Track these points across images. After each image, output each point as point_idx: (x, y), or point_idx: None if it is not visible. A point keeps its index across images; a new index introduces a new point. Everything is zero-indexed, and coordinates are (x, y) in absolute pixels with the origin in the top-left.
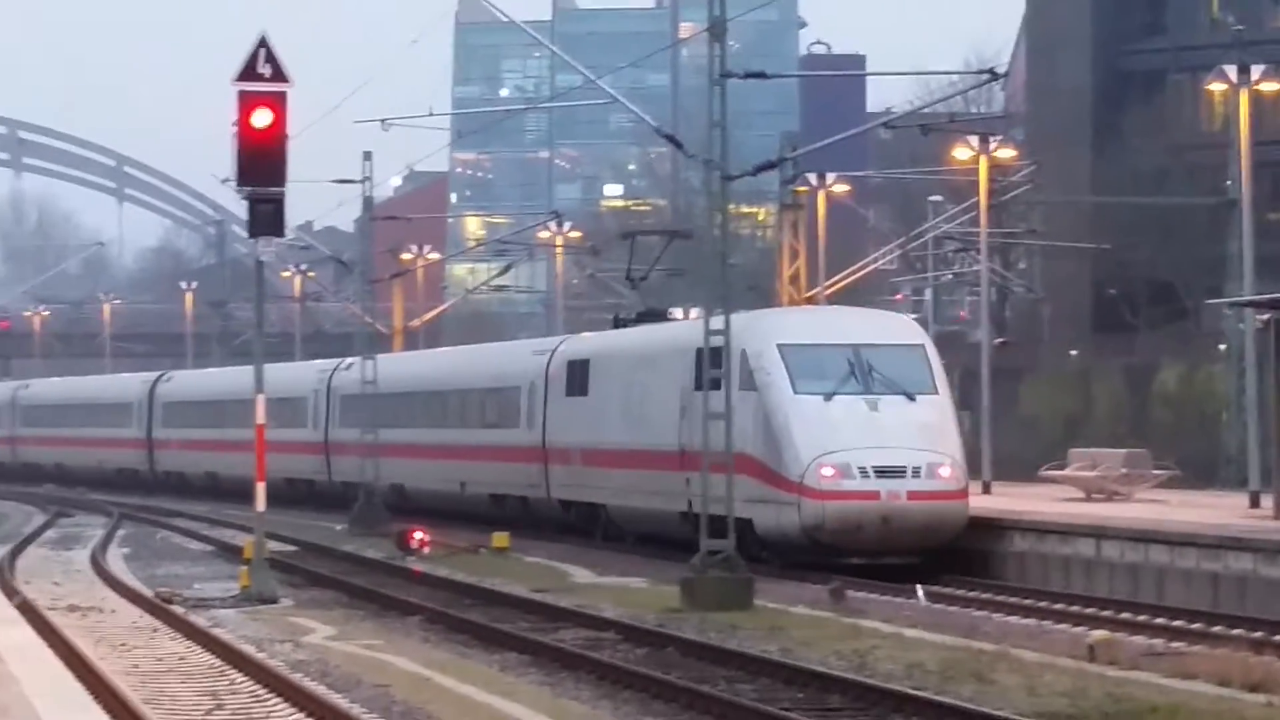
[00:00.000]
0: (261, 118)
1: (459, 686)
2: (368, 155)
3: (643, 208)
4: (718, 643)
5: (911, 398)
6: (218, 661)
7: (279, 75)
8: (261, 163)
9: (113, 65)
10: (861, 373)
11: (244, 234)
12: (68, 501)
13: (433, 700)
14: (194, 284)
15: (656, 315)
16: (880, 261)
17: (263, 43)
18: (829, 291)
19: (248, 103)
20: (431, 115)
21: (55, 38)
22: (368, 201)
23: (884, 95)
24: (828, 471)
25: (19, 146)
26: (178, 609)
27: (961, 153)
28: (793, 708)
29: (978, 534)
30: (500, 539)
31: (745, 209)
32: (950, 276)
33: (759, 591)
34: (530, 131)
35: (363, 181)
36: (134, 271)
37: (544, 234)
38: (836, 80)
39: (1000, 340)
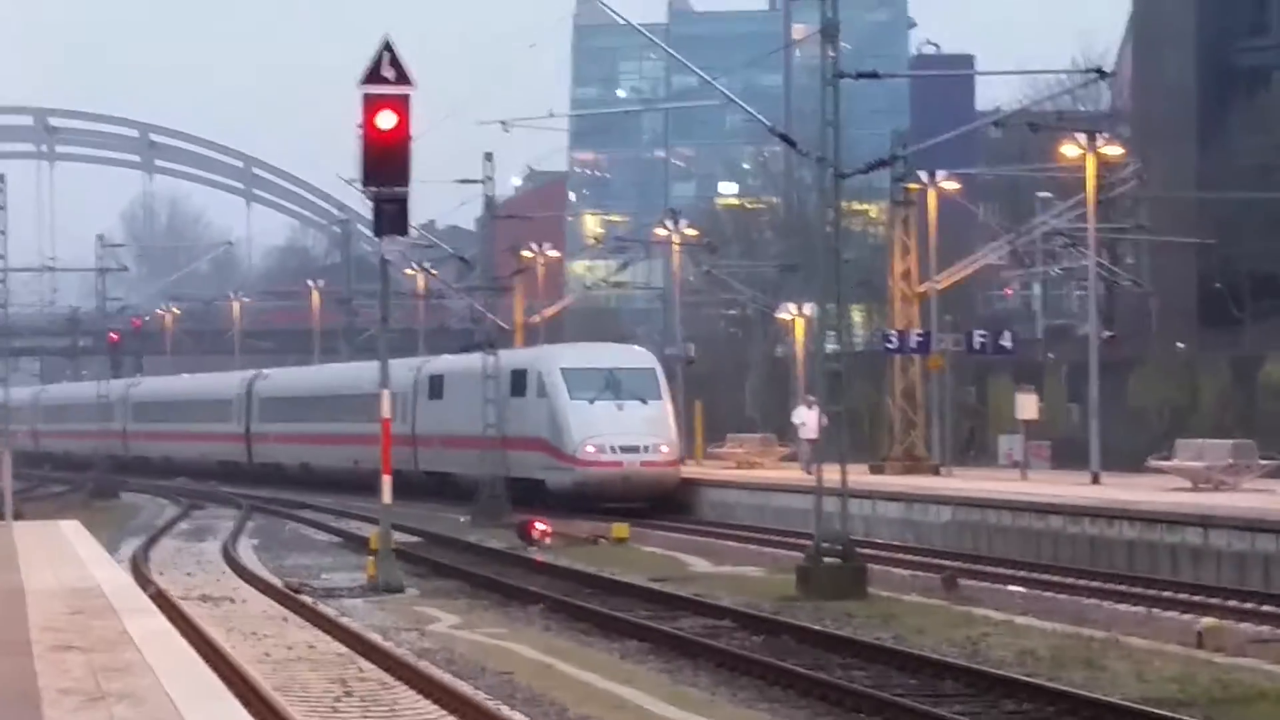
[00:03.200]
0: (386, 119)
1: (580, 673)
2: (489, 156)
3: (757, 206)
4: (832, 630)
5: (644, 402)
6: (346, 649)
7: (403, 78)
8: (386, 163)
9: (241, 69)
10: (613, 386)
11: (369, 233)
12: (199, 494)
13: (555, 687)
14: (320, 282)
15: (489, 345)
16: (989, 257)
17: (387, 46)
18: (940, 286)
19: (372, 105)
20: (551, 116)
21: (185, 43)
22: (489, 201)
23: (993, 94)
24: (590, 449)
25: (150, 149)
26: (306, 599)
27: (1069, 150)
28: (906, 694)
29: (1077, 521)
30: (620, 530)
31: (857, 206)
32: (1058, 271)
33: (873, 580)
34: (647, 131)
35: (484, 181)
36: (261, 270)
37: (661, 231)
38: (946, 79)
39: (1108, 334)
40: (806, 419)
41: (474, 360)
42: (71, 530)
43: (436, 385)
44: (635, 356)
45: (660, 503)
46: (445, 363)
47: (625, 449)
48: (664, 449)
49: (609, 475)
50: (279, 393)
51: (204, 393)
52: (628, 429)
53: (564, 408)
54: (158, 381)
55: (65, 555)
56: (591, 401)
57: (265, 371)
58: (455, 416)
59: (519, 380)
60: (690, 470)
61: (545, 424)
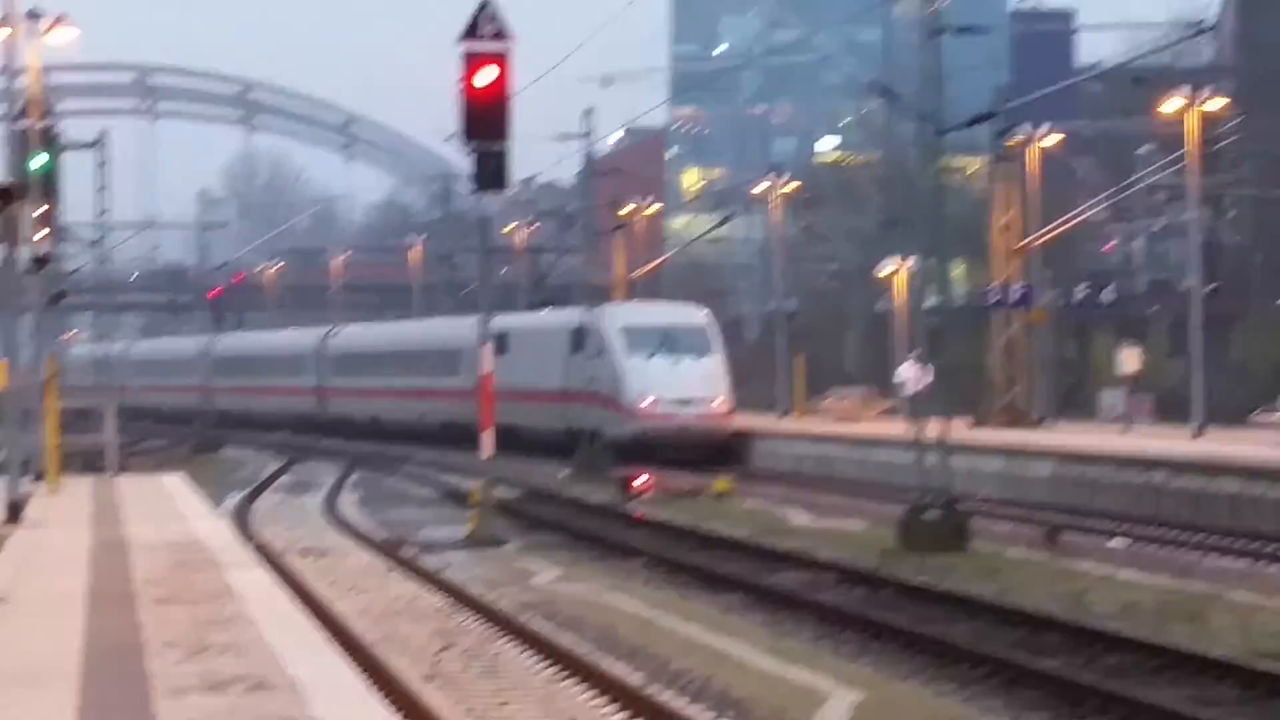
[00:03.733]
0: (485, 76)
1: (681, 627)
2: (589, 111)
3: (857, 161)
4: (934, 584)
5: (699, 357)
6: (447, 603)
7: (502, 34)
8: (485, 119)
9: (341, 25)
10: (669, 342)
11: (469, 189)
12: (301, 448)
13: (656, 640)
14: (420, 237)
15: (549, 304)
16: (1090, 212)
17: (485, 3)
18: (1041, 241)
19: (472, 61)
20: (651, 72)
21: (284, 1)
22: (588, 156)
23: (1093, 48)
24: (647, 403)
25: (250, 106)
26: (408, 552)
27: (1171, 104)
28: (1007, 648)
29: (1180, 475)
30: (721, 484)
31: (958, 161)
32: (1160, 226)
33: (974, 534)
34: (746, 87)
35: (584, 137)
36: (361, 226)
37: (760, 187)
38: (1047, 34)
39: (1211, 288)
40: (910, 375)
41: (536, 318)
42: (175, 484)
43: (501, 342)
44: (690, 314)
45: (714, 454)
46: (510, 319)
47: (680, 402)
48: (717, 402)
49: (665, 427)
50: (350, 349)
51: (280, 349)
52: (683, 384)
53: (622, 363)
54: (238, 338)
55: (168, 509)
56: (649, 357)
57: (337, 328)
58: (519, 372)
59: (579, 337)
60: (787, 425)
61: (605, 379)
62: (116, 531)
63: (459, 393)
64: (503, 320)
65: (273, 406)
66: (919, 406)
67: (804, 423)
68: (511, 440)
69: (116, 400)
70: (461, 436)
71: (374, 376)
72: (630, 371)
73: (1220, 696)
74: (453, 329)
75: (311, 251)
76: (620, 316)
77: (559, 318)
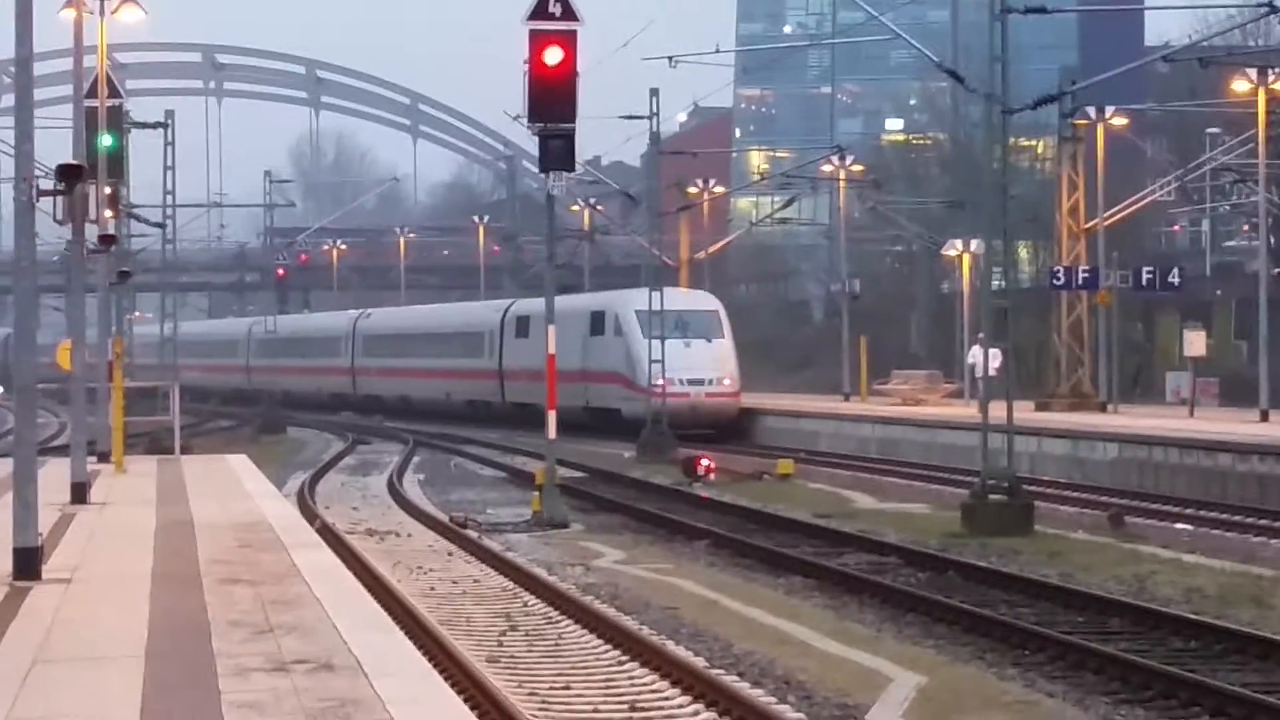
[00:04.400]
0: (552, 55)
1: (745, 609)
2: (655, 92)
3: (923, 142)
4: (998, 567)
5: (709, 340)
6: (511, 584)
7: (569, 14)
8: (552, 99)
9: (407, 3)
10: (681, 326)
11: (534, 169)
12: (365, 429)
13: (720, 622)
14: (485, 218)
15: (570, 289)
16: (1158, 193)
17: None
18: (1108, 223)
19: (539, 41)
20: (717, 52)
21: None
22: (655, 137)
23: (1162, 28)
24: (661, 382)
25: (316, 85)
26: (472, 533)
27: (1240, 85)
28: (1072, 631)
29: (1245, 458)
30: (785, 466)
31: (1024, 142)
32: (1228, 208)
33: (1039, 517)
34: (813, 67)
35: (650, 117)
36: (427, 206)
37: (826, 168)
38: (1115, 14)
39: (1278, 270)
40: (979, 358)
41: (557, 302)
42: (239, 464)
43: (523, 325)
44: (701, 300)
45: (724, 429)
46: (532, 304)
47: (692, 382)
48: (726, 382)
49: (678, 405)
50: (380, 331)
51: (316, 330)
52: (694, 364)
53: (638, 345)
54: (280, 320)
55: (233, 489)
56: (665, 339)
57: (369, 311)
58: (541, 354)
59: (598, 321)
60: (851, 407)
61: (622, 360)
62: (181, 512)
63: (483, 373)
64: (525, 304)
65: (309, 386)
66: (987, 389)
67: (868, 405)
68: (533, 417)
69: (178, 381)
70: (485, 414)
71: (403, 357)
72: (645, 352)
73: None
74: (477, 312)
75: (376, 231)
76: (635, 301)
77: (579, 302)
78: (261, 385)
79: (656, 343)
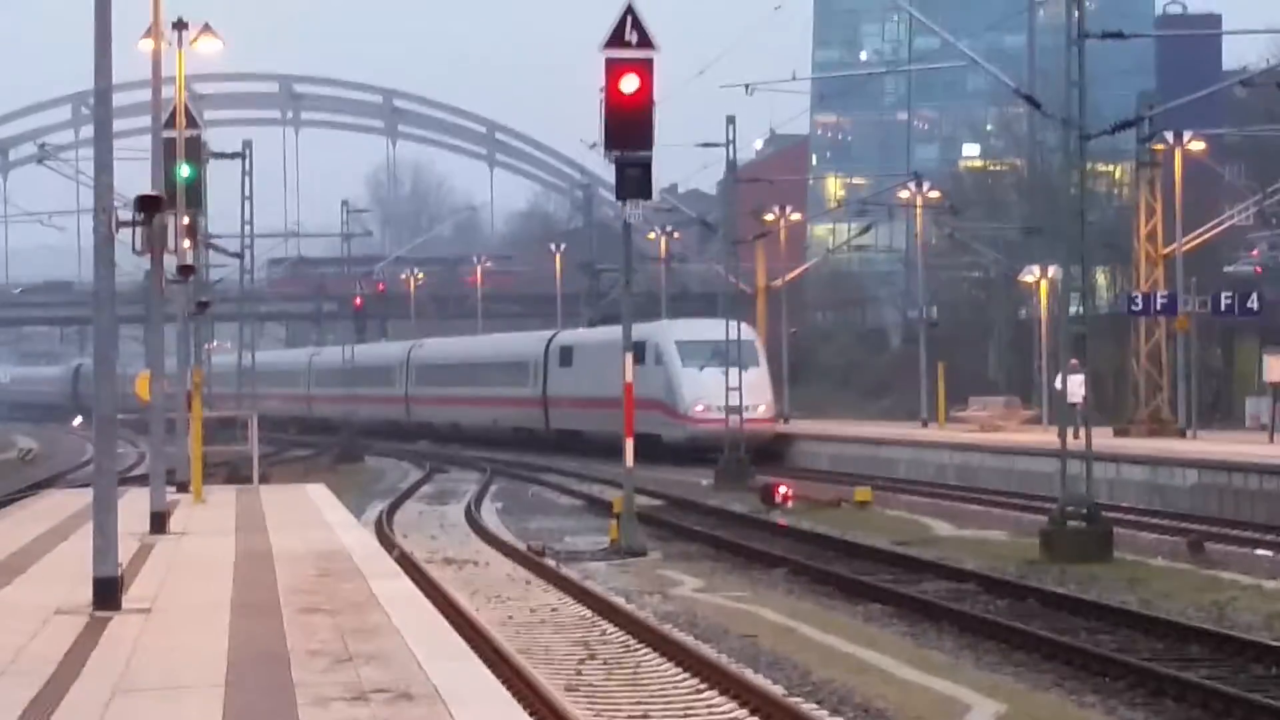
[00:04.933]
0: (628, 83)
1: (823, 637)
2: (731, 119)
3: (1000, 168)
4: (1077, 594)
5: (745, 368)
6: (589, 612)
7: (645, 42)
8: (629, 127)
9: (482, 33)
10: (719, 355)
11: (611, 197)
12: (442, 458)
13: (798, 650)
14: (562, 246)
15: (610, 319)
16: (1236, 218)
17: (629, 10)
18: (1185, 248)
19: (615, 69)
20: (794, 79)
21: (426, 10)
22: (731, 164)
23: (1240, 53)
24: (700, 409)
25: (393, 115)
26: (550, 562)
27: None
28: (1152, 658)
29: None
30: (862, 493)
31: (1102, 167)
32: None
33: (1118, 544)
34: (889, 94)
35: (727, 145)
36: (504, 235)
37: (903, 194)
38: (1193, 39)
39: None
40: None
41: (598, 333)
42: (317, 494)
43: (567, 355)
44: (739, 330)
45: (760, 455)
46: (574, 335)
47: (729, 409)
48: (761, 409)
49: (716, 431)
50: (431, 361)
51: (372, 360)
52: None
53: (678, 374)
54: (337, 351)
55: (311, 519)
56: (700, 369)
57: (422, 341)
58: (584, 382)
59: (639, 350)
60: (929, 433)
61: (662, 387)
62: (260, 541)
63: (528, 400)
64: (567, 335)
65: (365, 414)
66: (1065, 415)
67: (946, 431)
68: (576, 443)
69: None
70: (529, 440)
71: (452, 386)
72: (685, 381)
73: None
74: (522, 342)
75: (453, 260)
76: (675, 331)
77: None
78: (321, 414)
79: (695, 370)
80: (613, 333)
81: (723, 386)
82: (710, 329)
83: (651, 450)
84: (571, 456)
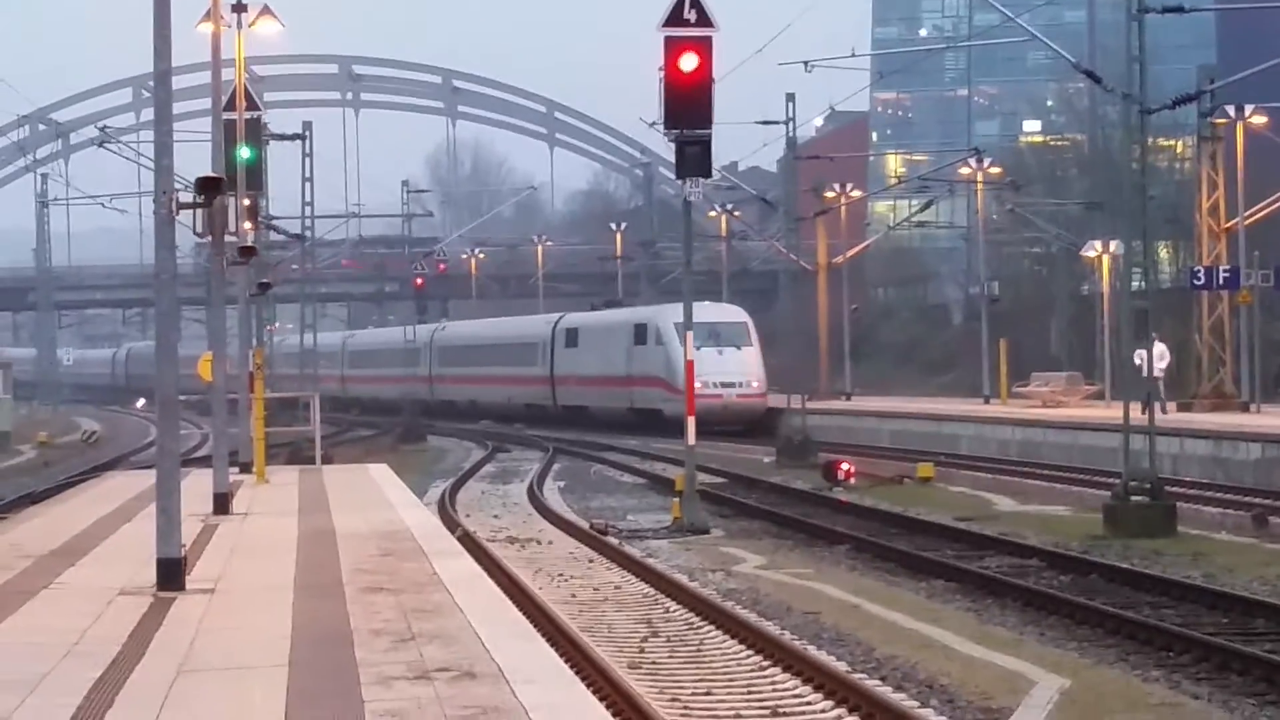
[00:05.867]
0: (688, 62)
1: (886, 613)
2: (791, 97)
3: (1061, 143)
4: (1141, 569)
5: (739, 348)
6: (652, 590)
7: (704, 20)
8: (688, 106)
9: (540, 13)
10: (714, 335)
11: (671, 175)
12: (504, 437)
13: (861, 627)
14: (623, 225)
15: (614, 303)
16: None
17: None
18: (1248, 222)
19: (674, 48)
20: (853, 56)
21: None
22: (791, 142)
23: None
24: (698, 385)
25: (453, 95)
26: (612, 540)
27: None
28: (1217, 633)
29: None
30: (925, 469)
31: (1163, 142)
32: None
33: (1181, 518)
34: (949, 70)
35: (786, 122)
36: (564, 214)
37: (964, 170)
38: (1254, 12)
39: None
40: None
41: (602, 316)
42: (380, 474)
43: (572, 336)
44: (731, 313)
45: (751, 427)
46: (579, 318)
47: (724, 385)
48: (753, 385)
49: (712, 405)
50: (452, 343)
51: (398, 343)
52: (726, 370)
53: (677, 353)
54: (368, 333)
55: (374, 499)
56: (698, 348)
57: (444, 324)
58: (588, 361)
59: (641, 332)
60: (991, 409)
61: (662, 366)
62: (323, 521)
63: (537, 379)
64: (573, 317)
65: (393, 393)
66: (1130, 389)
67: (1008, 407)
68: (582, 418)
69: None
70: (539, 416)
71: (470, 366)
72: (683, 359)
73: None
74: (531, 325)
75: (514, 240)
76: (674, 314)
77: (623, 316)
78: (354, 394)
79: (693, 350)
80: (613, 316)
81: (718, 365)
82: (707, 311)
83: (653, 424)
84: (572, 429)
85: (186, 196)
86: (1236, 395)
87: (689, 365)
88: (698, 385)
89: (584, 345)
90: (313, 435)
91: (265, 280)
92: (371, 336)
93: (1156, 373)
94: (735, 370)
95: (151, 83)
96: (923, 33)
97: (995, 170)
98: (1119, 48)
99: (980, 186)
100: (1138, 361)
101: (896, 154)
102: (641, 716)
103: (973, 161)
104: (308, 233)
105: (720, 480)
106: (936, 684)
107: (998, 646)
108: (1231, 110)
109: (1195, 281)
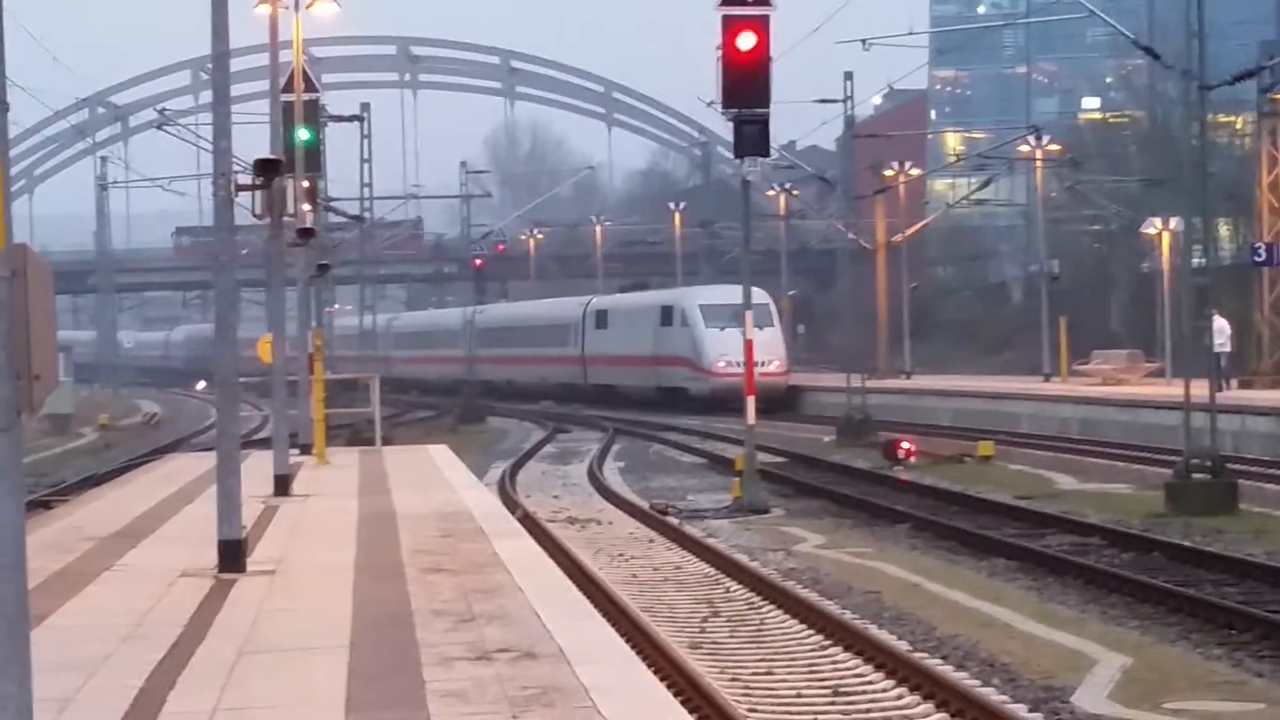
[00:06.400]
0: (745, 41)
1: (947, 592)
2: (849, 75)
3: (1120, 120)
4: (1202, 547)
5: (761, 329)
6: (712, 570)
7: None
8: (746, 84)
9: None
10: (737, 317)
11: (729, 155)
12: (565, 418)
13: (922, 606)
14: (681, 204)
15: (640, 287)
16: None
17: None
18: None
19: (732, 26)
20: (911, 34)
21: None
22: (849, 120)
23: None
24: (721, 364)
25: (511, 76)
26: (672, 520)
27: None
28: (1279, 610)
29: None
30: (985, 448)
31: (1223, 118)
32: None
33: (1243, 496)
34: (1008, 47)
35: (845, 101)
36: (623, 194)
37: (1023, 148)
38: None
39: None
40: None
41: (631, 298)
42: (440, 455)
43: (601, 318)
44: (755, 294)
45: (775, 405)
46: (608, 300)
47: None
48: (775, 364)
49: (735, 383)
50: (490, 324)
51: (440, 325)
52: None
53: (701, 334)
54: (409, 315)
55: (434, 479)
56: (721, 329)
57: (483, 307)
58: (617, 342)
59: (667, 314)
60: (1051, 387)
61: (688, 346)
62: (383, 502)
63: (569, 359)
64: (602, 300)
65: (433, 374)
66: (1191, 367)
67: (1068, 385)
68: (610, 396)
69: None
70: (572, 395)
71: (506, 347)
72: (708, 340)
73: None
74: (563, 307)
75: (572, 220)
76: (699, 296)
77: (650, 298)
78: (398, 374)
79: (717, 330)
80: (641, 298)
81: (741, 344)
82: (730, 294)
83: (679, 402)
84: (601, 406)
85: (245, 178)
86: None
87: (748, 345)
88: (721, 364)
89: (613, 327)
90: (372, 416)
91: (324, 262)
92: (414, 319)
93: (1218, 349)
94: (759, 350)
95: (210, 65)
96: (981, 10)
97: (1054, 147)
98: (1178, 23)
99: (1039, 164)
100: (1218, 341)
101: (955, 132)
102: (703, 696)
103: (1032, 139)
104: (366, 214)
105: (780, 460)
106: (998, 663)
107: (1059, 625)
108: None
109: (1256, 258)
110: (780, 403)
